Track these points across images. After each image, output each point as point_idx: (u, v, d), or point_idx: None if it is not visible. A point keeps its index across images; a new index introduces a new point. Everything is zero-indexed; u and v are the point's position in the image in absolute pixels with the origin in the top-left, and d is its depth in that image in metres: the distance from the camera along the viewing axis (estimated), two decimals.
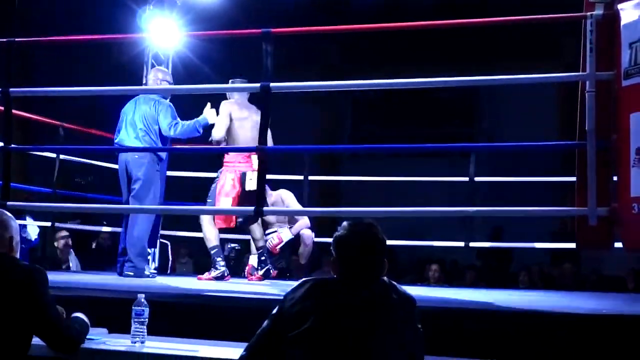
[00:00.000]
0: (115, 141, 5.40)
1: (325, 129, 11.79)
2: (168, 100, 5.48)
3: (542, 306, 3.56)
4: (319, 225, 6.30)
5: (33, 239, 6.61)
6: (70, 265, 7.08)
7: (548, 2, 4.31)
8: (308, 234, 5.80)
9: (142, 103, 5.35)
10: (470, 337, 3.04)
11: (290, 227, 5.83)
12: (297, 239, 5.89)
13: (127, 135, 5.29)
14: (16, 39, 4.32)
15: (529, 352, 2.97)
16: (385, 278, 2.32)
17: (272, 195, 5.80)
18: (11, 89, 4.18)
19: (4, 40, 4.30)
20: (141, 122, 5.27)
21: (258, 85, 3.91)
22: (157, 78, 5.53)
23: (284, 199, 5.88)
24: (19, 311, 2.62)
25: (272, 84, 3.88)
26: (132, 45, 5.88)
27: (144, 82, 7.53)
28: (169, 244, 6.05)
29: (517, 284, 7.44)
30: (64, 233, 7.07)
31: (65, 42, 4.69)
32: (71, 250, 7.16)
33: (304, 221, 5.84)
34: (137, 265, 5.15)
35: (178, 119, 5.32)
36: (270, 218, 5.92)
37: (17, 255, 2.81)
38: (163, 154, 5.38)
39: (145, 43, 7.07)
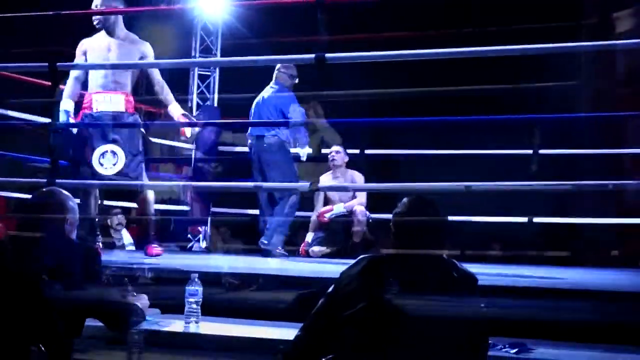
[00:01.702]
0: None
1: (378, 100, 11.56)
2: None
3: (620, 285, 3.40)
4: (376, 201, 6.19)
5: None
6: (126, 244, 7.06)
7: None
8: (361, 210, 5.84)
9: None
10: (538, 317, 2.89)
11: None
12: (352, 217, 5.85)
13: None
14: (62, 12, 4.26)
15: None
16: (445, 256, 2.23)
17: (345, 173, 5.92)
18: (58, 64, 4.12)
19: (50, 13, 4.25)
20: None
21: (313, 56, 3.75)
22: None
23: (352, 176, 5.90)
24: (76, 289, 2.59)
25: (327, 55, 3.72)
26: (181, 16, 5.82)
27: (192, 54, 7.54)
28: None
29: (583, 262, 7.20)
30: (118, 211, 7.05)
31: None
32: (124, 228, 7.14)
33: (360, 199, 5.83)
34: (270, 241, 5.27)
35: None
36: (334, 197, 5.86)
37: (73, 235, 2.78)
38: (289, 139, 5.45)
39: (194, 14, 7.03)
